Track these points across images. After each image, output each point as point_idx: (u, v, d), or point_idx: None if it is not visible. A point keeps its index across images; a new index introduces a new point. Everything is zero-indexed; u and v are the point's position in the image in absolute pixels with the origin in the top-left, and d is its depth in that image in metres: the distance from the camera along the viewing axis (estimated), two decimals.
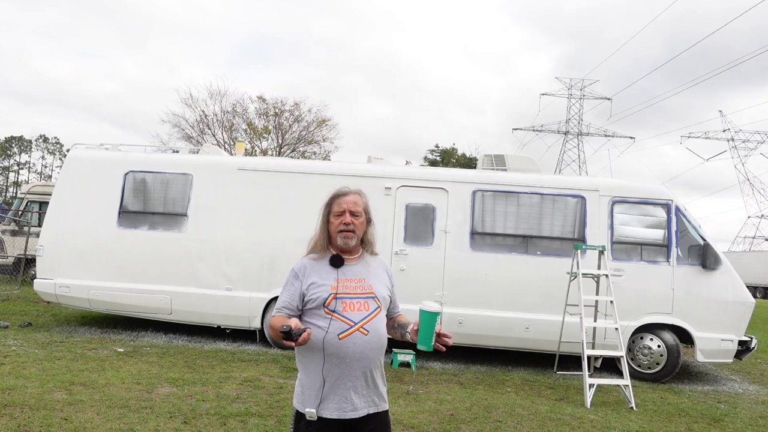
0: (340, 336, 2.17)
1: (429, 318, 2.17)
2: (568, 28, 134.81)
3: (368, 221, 2.37)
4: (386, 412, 2.31)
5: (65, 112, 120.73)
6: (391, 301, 2.44)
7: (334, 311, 2.19)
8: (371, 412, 2.23)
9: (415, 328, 2.24)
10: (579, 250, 6.67)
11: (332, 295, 2.21)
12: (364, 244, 2.37)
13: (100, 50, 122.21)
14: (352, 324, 2.19)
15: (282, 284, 2.32)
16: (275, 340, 2.24)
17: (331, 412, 2.16)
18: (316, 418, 2.15)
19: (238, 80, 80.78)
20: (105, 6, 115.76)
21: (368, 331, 2.21)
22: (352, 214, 2.29)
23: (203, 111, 29.02)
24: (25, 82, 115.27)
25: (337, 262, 2.29)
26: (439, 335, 2.20)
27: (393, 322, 2.47)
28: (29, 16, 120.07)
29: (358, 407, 2.19)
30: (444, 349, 2.23)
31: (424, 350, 2.18)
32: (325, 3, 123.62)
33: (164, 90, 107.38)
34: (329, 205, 2.34)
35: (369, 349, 2.21)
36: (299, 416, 2.21)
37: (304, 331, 2.03)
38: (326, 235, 2.34)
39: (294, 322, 2.04)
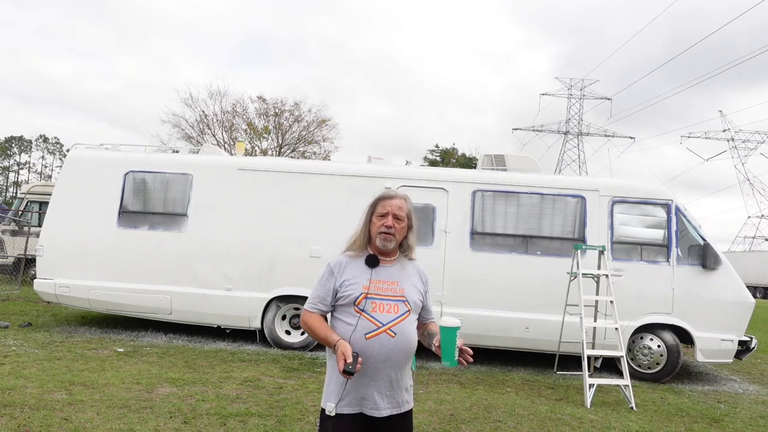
0: (366, 336, 2.20)
1: (448, 334, 2.15)
2: (567, 27, 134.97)
3: (410, 227, 2.39)
4: (410, 411, 2.33)
5: (64, 111, 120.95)
6: (423, 307, 2.44)
7: (363, 310, 2.23)
8: (394, 413, 2.25)
9: (437, 344, 2.22)
10: (579, 250, 6.67)
11: (363, 295, 2.24)
12: (403, 248, 2.40)
13: (98, 50, 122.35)
14: (380, 325, 2.22)
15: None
16: (309, 334, 2.35)
17: (352, 408, 2.20)
18: (334, 413, 2.19)
19: (237, 80, 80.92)
20: (103, 5, 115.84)
21: (395, 334, 2.23)
22: (396, 217, 2.33)
23: (203, 111, 29.06)
24: (24, 82, 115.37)
25: (372, 262, 2.32)
26: (461, 350, 2.16)
27: (424, 329, 2.46)
28: (28, 16, 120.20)
29: (380, 407, 2.22)
30: (466, 365, 2.18)
31: (449, 366, 2.16)
32: (324, 2, 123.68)
33: (163, 90, 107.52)
34: (374, 206, 2.38)
35: (395, 351, 2.22)
36: (323, 410, 2.26)
37: (357, 360, 2.11)
38: (367, 234, 2.37)
39: (349, 350, 2.11)
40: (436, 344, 2.24)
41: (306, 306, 2.38)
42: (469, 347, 2.20)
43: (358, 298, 2.24)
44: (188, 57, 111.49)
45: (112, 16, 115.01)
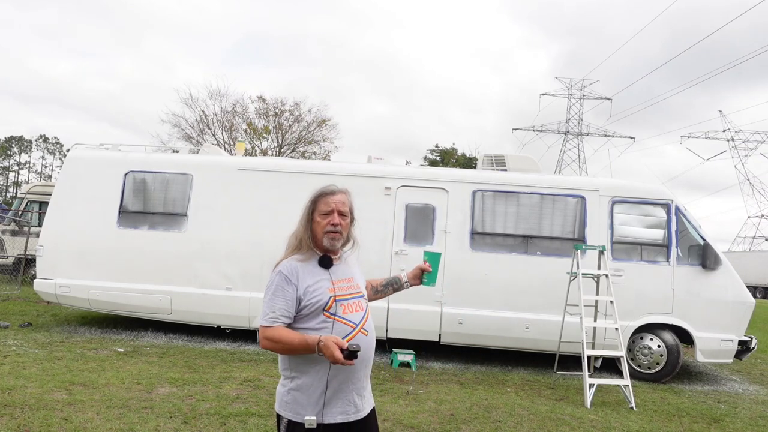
0: (344, 340, 2.09)
1: (435, 258, 2.48)
2: (568, 27, 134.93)
3: (352, 220, 2.28)
4: (374, 408, 2.29)
5: (64, 111, 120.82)
6: None
7: (335, 314, 2.11)
8: (367, 410, 2.22)
9: (416, 273, 2.49)
10: (579, 250, 6.67)
11: (332, 298, 2.12)
12: (344, 243, 2.28)
13: (98, 50, 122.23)
14: (354, 326, 2.14)
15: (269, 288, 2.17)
16: (278, 351, 2.11)
17: (334, 417, 2.09)
18: (315, 425, 2.05)
19: (237, 80, 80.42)
20: (102, 5, 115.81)
21: (368, 332, 2.19)
22: (341, 214, 2.20)
23: (203, 111, 29.06)
24: (24, 82, 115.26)
25: (327, 262, 2.19)
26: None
27: (371, 287, 2.45)
28: (27, 16, 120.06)
29: (360, 409, 2.17)
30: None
31: (430, 286, 2.48)
32: (324, 2, 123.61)
33: (163, 89, 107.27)
34: (315, 203, 2.22)
35: (369, 349, 2.19)
36: (294, 426, 2.08)
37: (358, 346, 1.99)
38: (310, 234, 2.22)
39: (341, 341, 1.98)
40: (412, 274, 2.49)
41: (265, 322, 2.10)
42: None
43: (327, 302, 2.11)
44: (188, 57, 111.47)
45: (112, 15, 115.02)
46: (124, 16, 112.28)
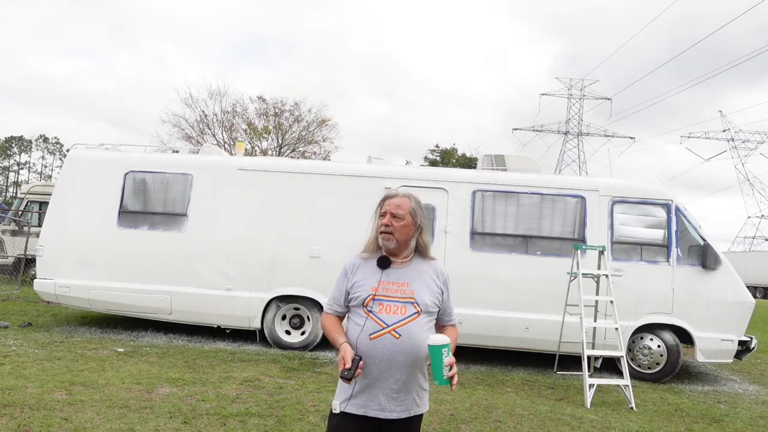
0: (371, 336, 2.22)
1: (434, 352, 2.11)
2: (568, 25, 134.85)
3: (417, 225, 2.36)
4: (420, 416, 2.32)
5: (64, 111, 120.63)
6: (440, 309, 2.40)
7: (370, 311, 2.26)
8: (403, 416, 2.24)
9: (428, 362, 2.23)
10: (579, 250, 6.67)
11: (371, 296, 2.27)
12: (418, 248, 2.40)
13: (94, 48, 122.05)
14: (385, 326, 2.23)
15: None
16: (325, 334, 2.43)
17: (357, 409, 2.22)
18: (338, 411, 2.23)
19: (236, 79, 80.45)
20: (99, 4, 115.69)
21: (400, 335, 2.22)
22: (394, 216, 2.33)
23: (203, 111, 29.07)
24: (23, 81, 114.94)
25: (384, 263, 2.33)
26: (452, 370, 2.13)
27: (441, 332, 2.43)
28: (24, 14, 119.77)
29: (386, 409, 2.21)
30: (453, 388, 2.16)
31: (438, 384, 2.11)
32: (322, 0, 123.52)
33: (161, 89, 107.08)
34: (379, 207, 2.42)
35: (399, 353, 2.21)
36: (331, 412, 2.30)
37: (357, 366, 2.13)
38: (375, 235, 2.41)
39: (349, 355, 2.15)
40: (428, 362, 2.24)
41: (324, 307, 2.45)
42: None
43: (366, 299, 2.27)
44: (186, 56, 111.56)
45: (107, 14, 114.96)
46: (120, 15, 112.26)
